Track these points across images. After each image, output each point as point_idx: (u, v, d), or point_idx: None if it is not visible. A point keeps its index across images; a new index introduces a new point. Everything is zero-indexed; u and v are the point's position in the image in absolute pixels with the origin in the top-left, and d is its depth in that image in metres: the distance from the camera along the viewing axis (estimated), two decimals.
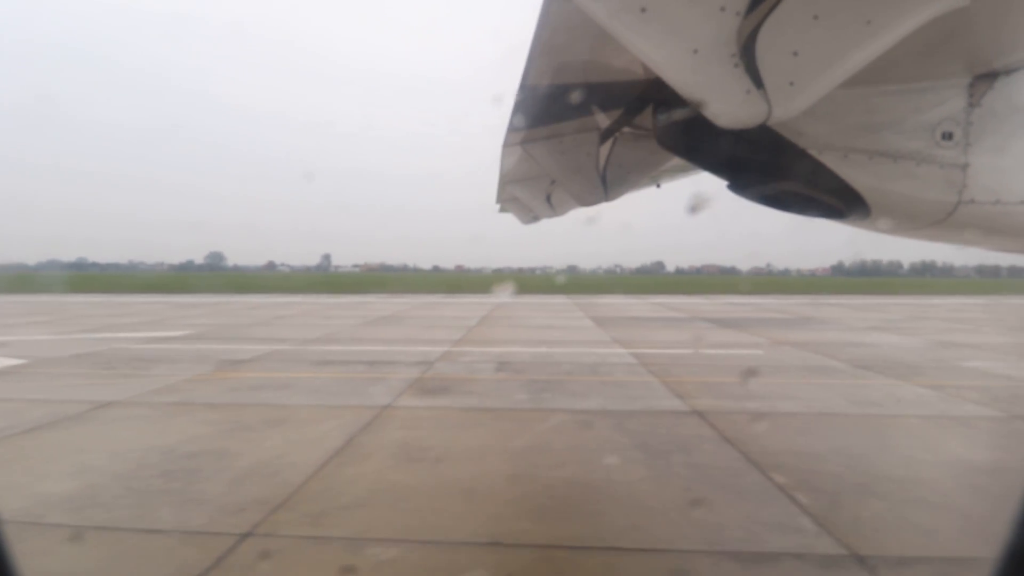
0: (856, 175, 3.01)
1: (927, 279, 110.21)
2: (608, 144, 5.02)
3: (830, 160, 3.00)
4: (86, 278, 60.31)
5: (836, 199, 3.14)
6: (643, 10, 2.04)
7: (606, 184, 5.20)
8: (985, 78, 2.97)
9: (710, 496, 4.38)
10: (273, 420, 6.49)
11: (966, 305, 26.88)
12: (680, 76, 2.26)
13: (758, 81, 2.21)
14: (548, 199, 7.29)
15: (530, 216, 9.08)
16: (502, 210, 9.85)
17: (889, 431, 6.19)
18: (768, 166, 3.13)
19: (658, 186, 7.07)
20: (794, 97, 2.26)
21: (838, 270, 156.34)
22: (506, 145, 5.12)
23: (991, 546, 3.43)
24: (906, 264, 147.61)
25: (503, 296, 29.99)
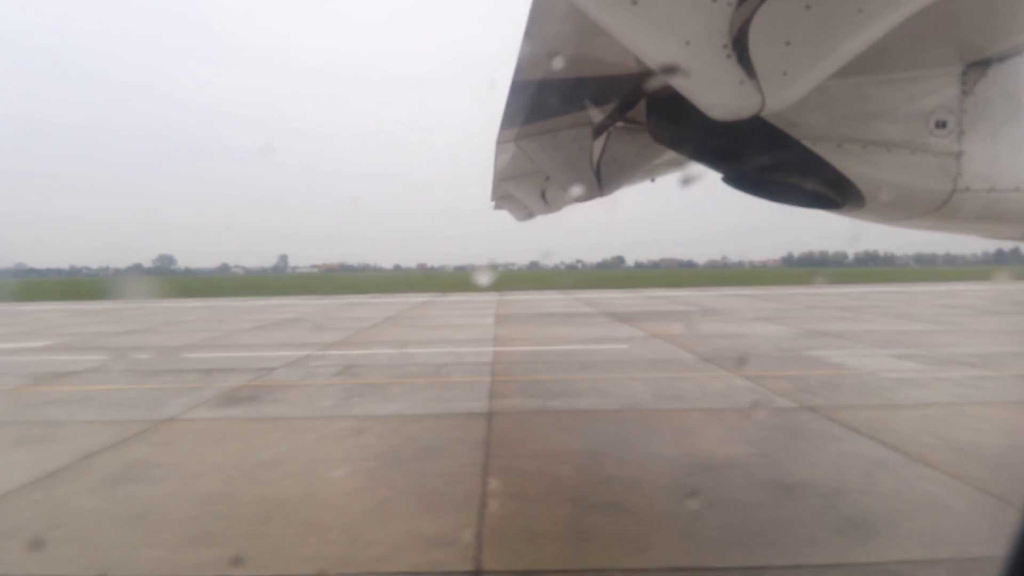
0: (850, 165, 2.95)
1: (869, 268, 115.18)
2: (602, 139, 4.90)
3: (824, 150, 2.95)
4: (12, 286, 56.89)
5: (831, 189, 3.08)
6: (634, 2, 1.99)
7: (600, 179, 5.08)
8: (978, 66, 2.92)
9: (399, 510, 4.15)
10: (26, 439, 6.02)
11: (875, 293, 27.86)
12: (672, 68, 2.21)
13: (751, 72, 2.15)
14: (543, 195, 7.14)
15: (525, 213, 8.94)
16: (497, 207, 9.64)
17: (662, 426, 6.12)
18: (762, 158, 3.08)
19: (652, 180, 6.95)
20: (787, 87, 2.20)
21: (787, 261, 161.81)
22: (500, 142, 4.94)
23: (632, 555, 3.29)
24: (851, 254, 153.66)
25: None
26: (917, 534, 3.65)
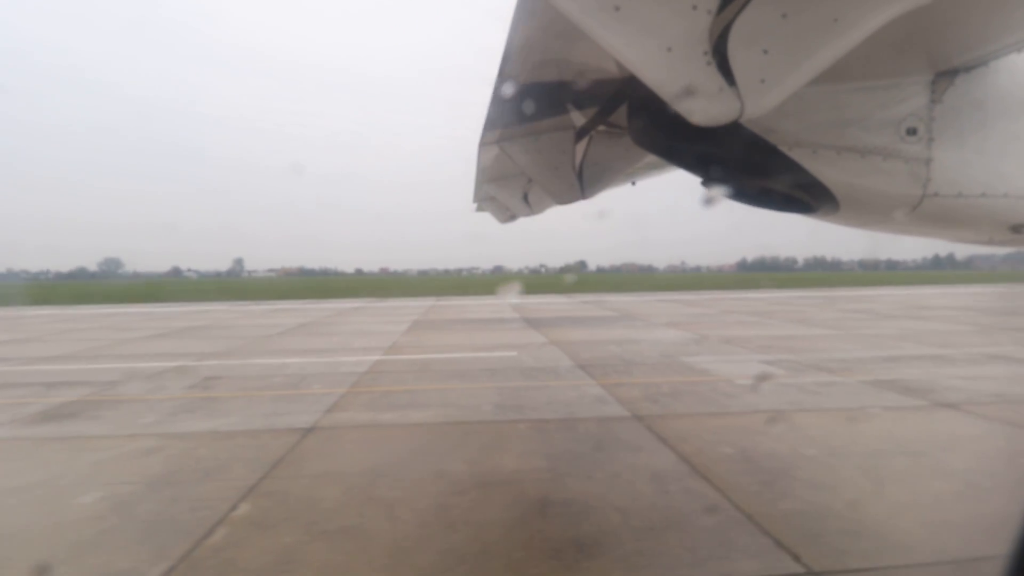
0: (825, 170, 3.03)
1: (817, 273, 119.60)
2: (584, 142, 4.92)
3: (800, 156, 3.02)
4: None
5: (806, 194, 3.15)
6: (617, 8, 2.01)
7: (583, 182, 5.10)
8: (946, 75, 3.02)
9: (110, 541, 3.83)
10: None
11: (796, 298, 28.70)
12: (653, 74, 2.23)
13: (730, 79, 2.20)
14: (525, 198, 7.07)
15: (507, 215, 8.85)
16: (479, 209, 9.52)
17: (476, 440, 5.93)
18: (740, 163, 3.15)
19: (633, 183, 6.95)
20: (765, 94, 2.26)
21: (742, 266, 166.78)
22: (482, 144, 4.95)
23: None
24: (800, 259, 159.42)
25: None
26: (634, 556, 3.54)
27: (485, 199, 8.67)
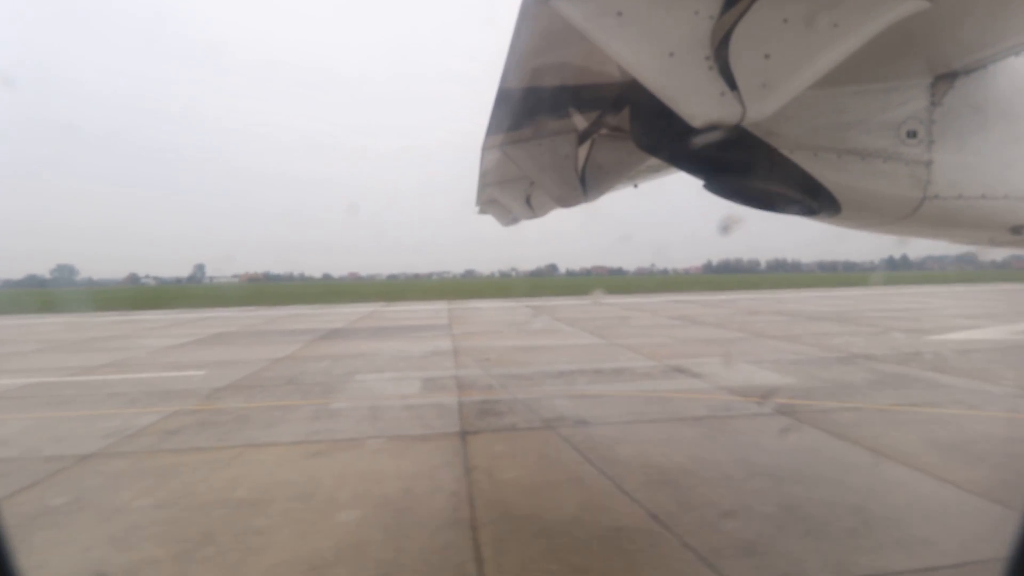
0: (826, 173, 3.04)
1: (778, 274, 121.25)
2: (586, 145, 4.97)
3: (801, 159, 3.03)
4: None
5: (808, 197, 3.15)
6: (619, 14, 2.06)
7: (585, 185, 5.14)
8: (946, 78, 3.03)
9: None
10: None
11: (672, 303, 28.19)
12: (656, 78, 2.23)
13: (732, 83, 2.21)
14: (528, 201, 7.15)
15: (510, 218, 8.97)
16: (481, 212, 9.68)
17: None
18: (742, 166, 3.15)
19: (635, 186, 7.10)
20: (766, 98, 2.25)
21: (707, 268, 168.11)
22: (485, 148, 5.01)
23: None
24: (763, 262, 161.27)
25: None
26: None
27: (488, 202, 8.73)
